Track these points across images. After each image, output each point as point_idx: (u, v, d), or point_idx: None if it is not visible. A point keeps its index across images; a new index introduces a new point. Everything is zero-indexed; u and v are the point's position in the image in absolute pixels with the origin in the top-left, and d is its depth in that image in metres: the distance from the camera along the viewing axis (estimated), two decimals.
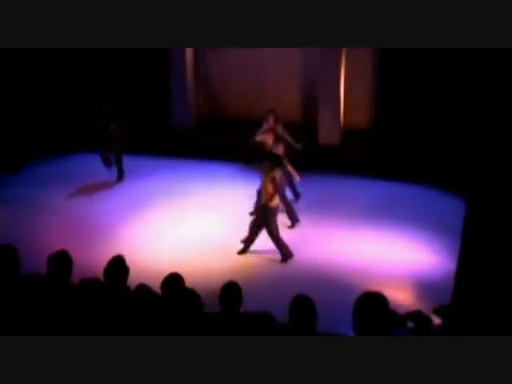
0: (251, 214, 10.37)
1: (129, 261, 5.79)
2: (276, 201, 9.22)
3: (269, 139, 10.41)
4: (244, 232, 9.71)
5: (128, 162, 13.30)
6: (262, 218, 9.33)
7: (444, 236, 9.41)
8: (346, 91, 13.66)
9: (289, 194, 10.91)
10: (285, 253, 9.44)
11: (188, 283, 5.60)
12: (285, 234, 10.00)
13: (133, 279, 5.72)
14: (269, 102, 15.10)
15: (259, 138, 10.74)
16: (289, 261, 9.42)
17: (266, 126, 10.96)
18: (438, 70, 11.59)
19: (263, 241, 9.81)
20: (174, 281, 5.44)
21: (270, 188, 9.10)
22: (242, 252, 9.57)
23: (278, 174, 9.16)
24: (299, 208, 11.00)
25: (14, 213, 11.17)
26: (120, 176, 12.67)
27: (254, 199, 10.53)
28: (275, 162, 9.22)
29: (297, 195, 11.21)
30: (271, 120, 10.97)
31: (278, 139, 10.47)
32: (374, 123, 14.22)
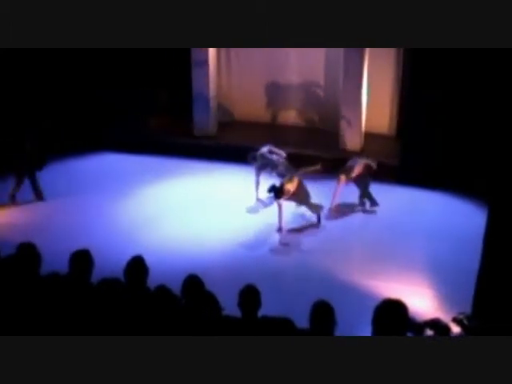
0: None
1: (148, 262, 5.82)
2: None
3: None
4: (266, 234, 10.02)
5: (150, 163, 13.38)
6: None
7: (467, 244, 9.28)
8: (368, 95, 13.60)
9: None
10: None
11: (207, 285, 5.61)
12: (301, 237, 10.05)
13: (152, 280, 5.75)
14: (290, 104, 15.15)
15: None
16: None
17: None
18: (461, 73, 11.45)
19: (278, 245, 9.90)
20: (193, 283, 5.46)
21: None
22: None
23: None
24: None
25: (35, 211, 11.29)
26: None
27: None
28: None
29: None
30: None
31: None
32: (395, 128, 14.16)
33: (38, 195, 11.68)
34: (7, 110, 12.72)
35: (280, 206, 10.25)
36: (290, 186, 10.13)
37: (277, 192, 10.12)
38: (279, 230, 10.26)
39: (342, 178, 10.80)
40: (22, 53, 11.77)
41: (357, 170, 10.92)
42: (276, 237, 10.22)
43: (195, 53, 13.93)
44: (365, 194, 11.13)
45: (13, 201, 11.54)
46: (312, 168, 10.46)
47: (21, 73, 13.05)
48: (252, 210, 11.28)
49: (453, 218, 10.92)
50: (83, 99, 14.03)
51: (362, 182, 11.05)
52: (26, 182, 11.55)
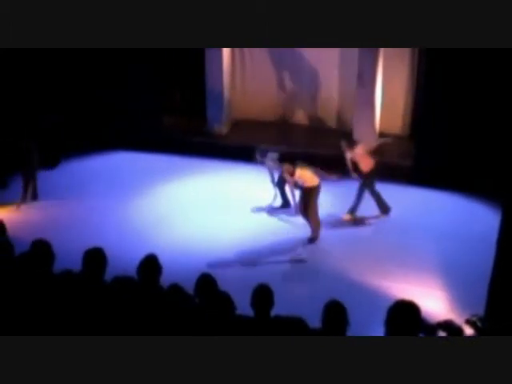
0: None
1: (161, 260, 5.82)
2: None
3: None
4: (279, 233, 10.12)
5: (163, 162, 13.39)
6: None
7: (480, 244, 9.21)
8: (382, 95, 13.56)
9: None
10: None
11: (220, 285, 5.62)
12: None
13: (165, 279, 5.76)
14: (304, 104, 15.12)
15: None
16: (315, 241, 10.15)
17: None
18: (475, 74, 11.36)
19: (290, 245, 9.87)
20: (206, 282, 5.47)
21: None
22: None
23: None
24: (332, 213, 10.99)
25: (48, 210, 11.33)
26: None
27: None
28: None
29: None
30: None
31: None
32: (409, 128, 14.09)
33: (33, 195, 11.64)
34: (7, 110, 12.74)
35: (289, 185, 10.33)
36: (298, 174, 9.97)
37: (285, 160, 10.21)
38: (296, 212, 10.36)
39: (343, 144, 10.80)
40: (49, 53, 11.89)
41: (361, 147, 10.79)
42: (288, 237, 10.21)
43: (209, 53, 13.94)
44: (376, 200, 10.97)
45: (24, 200, 11.48)
46: (328, 175, 10.36)
47: (41, 71, 13.17)
48: (265, 209, 11.27)
49: (466, 219, 10.85)
50: (96, 98, 14.06)
51: (367, 182, 10.88)
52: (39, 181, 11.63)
